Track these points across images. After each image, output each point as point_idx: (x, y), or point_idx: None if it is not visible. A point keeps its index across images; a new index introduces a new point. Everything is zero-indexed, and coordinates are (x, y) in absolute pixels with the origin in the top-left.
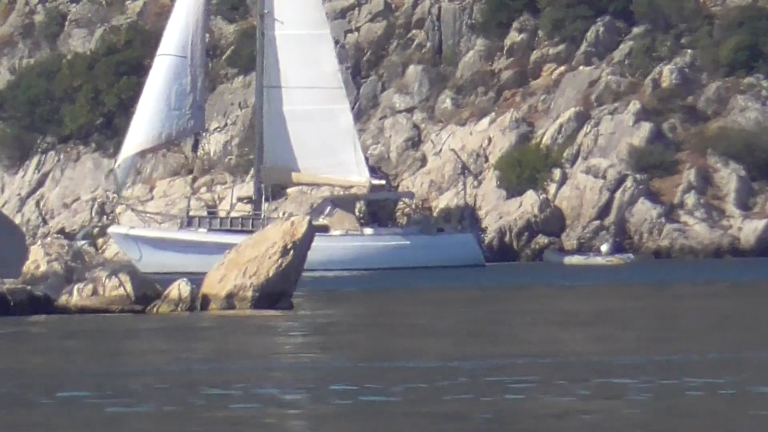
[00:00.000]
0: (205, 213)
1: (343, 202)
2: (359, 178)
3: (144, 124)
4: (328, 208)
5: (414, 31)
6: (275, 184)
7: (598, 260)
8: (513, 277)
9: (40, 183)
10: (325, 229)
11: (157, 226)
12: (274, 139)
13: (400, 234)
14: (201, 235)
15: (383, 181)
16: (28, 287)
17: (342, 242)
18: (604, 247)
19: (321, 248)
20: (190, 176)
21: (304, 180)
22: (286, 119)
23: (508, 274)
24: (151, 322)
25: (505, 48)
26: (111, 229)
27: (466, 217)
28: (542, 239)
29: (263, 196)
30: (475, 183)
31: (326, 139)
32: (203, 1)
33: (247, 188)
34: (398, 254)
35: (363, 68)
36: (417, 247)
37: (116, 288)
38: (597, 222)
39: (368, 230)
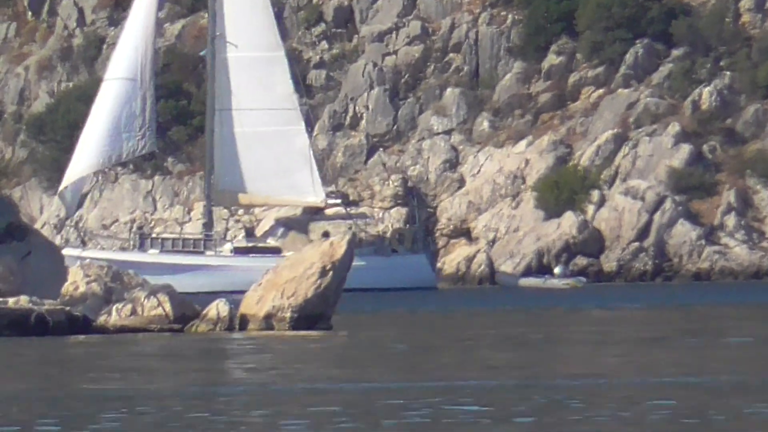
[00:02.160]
0: (157, 235)
1: (296, 223)
2: (315, 198)
3: (92, 147)
4: (281, 230)
5: (451, 55)
6: (228, 206)
7: (554, 282)
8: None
9: (79, 205)
10: (277, 250)
11: (116, 247)
12: (226, 161)
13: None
14: (152, 256)
15: (338, 200)
16: (67, 308)
17: None
18: (557, 270)
19: None
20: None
21: (256, 202)
22: (238, 142)
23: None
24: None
25: (543, 71)
26: (65, 251)
27: (419, 238)
28: (581, 260)
29: (212, 219)
30: (513, 204)
31: (281, 160)
32: (152, 24)
33: (285, 210)
34: (353, 276)
35: (401, 90)
36: (371, 268)
37: (155, 308)
38: (636, 244)
39: None
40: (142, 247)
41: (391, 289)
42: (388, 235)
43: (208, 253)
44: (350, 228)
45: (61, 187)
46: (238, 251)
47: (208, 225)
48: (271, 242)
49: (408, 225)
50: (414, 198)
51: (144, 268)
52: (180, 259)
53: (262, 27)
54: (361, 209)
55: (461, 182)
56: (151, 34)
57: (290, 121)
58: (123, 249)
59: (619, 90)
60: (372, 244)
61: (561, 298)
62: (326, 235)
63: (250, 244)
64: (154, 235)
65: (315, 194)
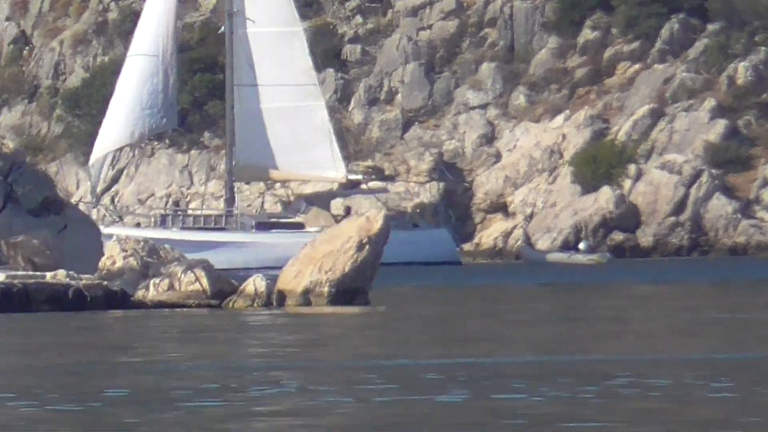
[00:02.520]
0: (179, 211)
1: (318, 199)
2: (336, 173)
3: (116, 124)
4: (304, 205)
5: (486, 30)
6: (248, 181)
7: (579, 258)
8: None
9: (115, 179)
10: (300, 226)
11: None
12: (246, 137)
13: None
14: (173, 233)
15: (360, 176)
16: (104, 283)
17: None
18: (581, 245)
19: (297, 245)
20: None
21: (278, 177)
22: (257, 117)
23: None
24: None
25: (578, 46)
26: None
27: (441, 212)
28: (618, 235)
29: (234, 194)
30: (550, 179)
31: (301, 135)
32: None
33: (321, 183)
34: None
35: (436, 65)
36: (392, 242)
37: (192, 283)
38: (672, 218)
39: None
40: (163, 224)
41: (412, 263)
42: (409, 209)
43: (229, 228)
44: (384, 202)
45: (89, 165)
46: (259, 227)
47: (230, 201)
48: (296, 218)
49: (443, 200)
50: (444, 171)
51: (166, 244)
52: (202, 236)
53: (279, 2)
54: (396, 184)
55: (497, 157)
56: (172, 10)
57: (309, 96)
58: (145, 226)
59: (655, 65)
60: (393, 218)
61: (591, 273)
62: (348, 210)
63: (273, 220)
64: (174, 212)
65: (335, 169)
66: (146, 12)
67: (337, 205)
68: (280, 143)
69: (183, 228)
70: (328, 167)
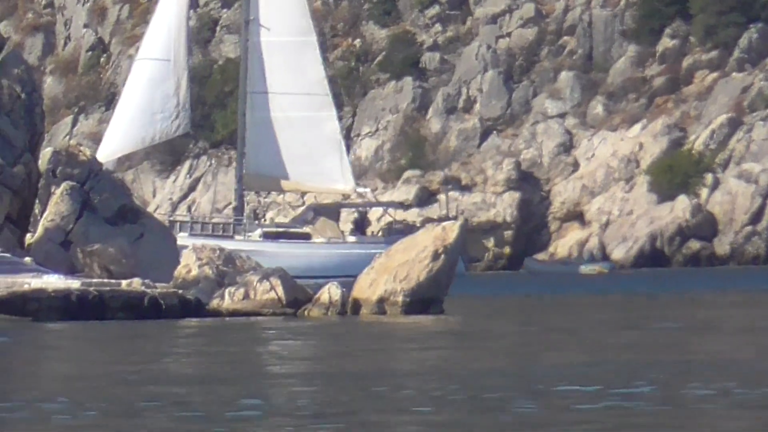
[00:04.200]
0: (187, 218)
1: (326, 210)
2: (344, 186)
3: (125, 129)
4: (311, 216)
5: (565, 38)
6: (258, 191)
7: (581, 268)
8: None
9: (192, 188)
10: (307, 236)
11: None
12: (257, 145)
13: (383, 242)
14: (180, 239)
15: (368, 189)
16: (180, 291)
17: (324, 249)
18: (586, 257)
19: (303, 255)
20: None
21: (288, 187)
22: (269, 126)
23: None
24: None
25: (657, 54)
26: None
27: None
28: (694, 244)
29: (243, 203)
30: (627, 188)
31: (311, 146)
32: (186, 2)
33: (398, 194)
34: None
35: (515, 74)
36: None
37: (267, 292)
38: (750, 227)
39: (351, 238)
40: (171, 230)
41: None
42: (417, 223)
43: (237, 237)
44: (462, 213)
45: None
46: (267, 236)
47: (239, 209)
48: (304, 228)
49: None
50: (447, 185)
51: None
52: (209, 243)
53: (294, 11)
54: (473, 194)
55: (575, 166)
56: (184, 13)
57: (321, 106)
58: None
59: (734, 74)
60: (401, 232)
61: (594, 283)
62: (357, 224)
63: (280, 230)
64: (183, 219)
65: (344, 182)
66: (157, 15)
67: (346, 217)
68: (290, 153)
69: (191, 235)
70: (336, 179)
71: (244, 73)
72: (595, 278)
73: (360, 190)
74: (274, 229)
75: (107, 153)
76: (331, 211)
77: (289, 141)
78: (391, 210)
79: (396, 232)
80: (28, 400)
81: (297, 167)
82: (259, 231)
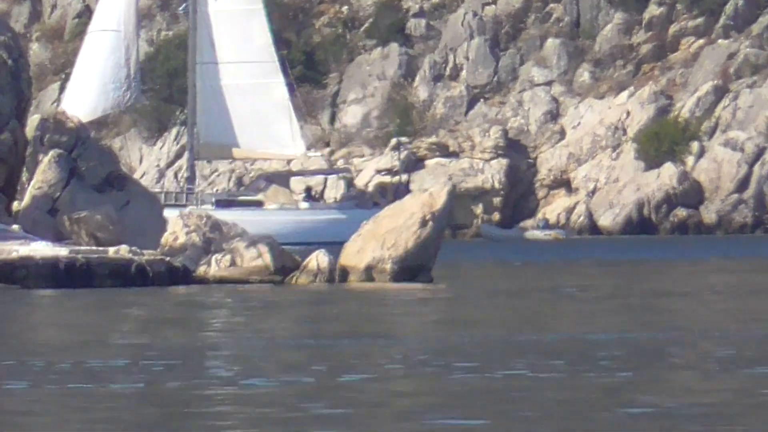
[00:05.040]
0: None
1: (278, 177)
2: (294, 151)
3: (79, 99)
4: (263, 183)
5: (552, 5)
6: (210, 160)
7: (537, 234)
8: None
9: (179, 154)
10: (259, 204)
11: None
12: (208, 115)
13: (336, 208)
14: None
15: (318, 154)
16: (167, 258)
17: (277, 216)
18: (539, 222)
19: (256, 222)
20: (328, 149)
21: (240, 155)
22: (219, 95)
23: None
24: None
25: (644, 21)
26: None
27: (401, 191)
28: (681, 212)
29: (195, 172)
30: (613, 156)
31: (261, 113)
32: None
33: (385, 161)
34: (334, 228)
35: (501, 41)
36: (353, 221)
37: (255, 259)
38: (735, 195)
39: (303, 204)
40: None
41: None
42: (371, 188)
43: (189, 206)
44: (449, 179)
45: None
46: (219, 204)
47: (191, 179)
48: (256, 196)
49: (506, 177)
50: (398, 149)
51: None
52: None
53: None
54: (461, 160)
55: (562, 134)
56: None
57: (269, 73)
58: None
59: (720, 41)
60: (354, 197)
61: (569, 248)
62: (308, 189)
63: (232, 198)
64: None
65: (295, 147)
66: None
67: (296, 184)
68: (241, 121)
69: None
70: (287, 144)
71: (193, 44)
72: (554, 244)
73: (311, 154)
74: (226, 198)
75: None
76: (282, 179)
77: (239, 109)
78: (344, 175)
79: (349, 197)
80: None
81: (247, 135)
82: (211, 199)
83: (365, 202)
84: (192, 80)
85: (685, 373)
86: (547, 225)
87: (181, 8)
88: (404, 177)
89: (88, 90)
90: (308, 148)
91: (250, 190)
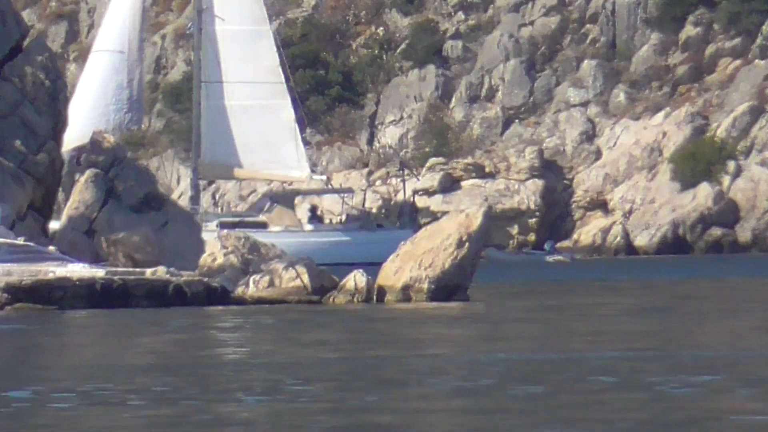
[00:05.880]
0: None
1: (282, 197)
2: (300, 173)
3: (81, 120)
4: (268, 204)
5: (588, 26)
6: (214, 179)
7: (545, 258)
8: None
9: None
10: (263, 225)
11: None
12: (213, 134)
13: (340, 230)
14: None
15: (323, 177)
16: (205, 279)
17: (281, 238)
18: (546, 246)
19: None
20: (366, 169)
21: (243, 176)
22: (224, 115)
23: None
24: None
25: (680, 42)
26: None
27: (405, 213)
28: (716, 231)
29: (199, 192)
30: (649, 176)
31: (266, 134)
32: None
33: (422, 181)
34: (338, 250)
35: (537, 62)
36: (357, 243)
37: (293, 279)
38: None
39: (308, 226)
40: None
41: (377, 264)
42: (375, 210)
43: None
44: (485, 200)
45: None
46: (223, 226)
47: (195, 198)
48: (260, 217)
49: (542, 198)
50: (402, 169)
51: None
52: None
53: (248, 0)
54: (496, 181)
55: (598, 154)
56: (139, 6)
57: (275, 94)
58: None
59: (756, 61)
60: (358, 219)
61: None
62: (313, 209)
63: (237, 219)
64: None
65: (300, 169)
66: (112, 8)
67: (301, 204)
68: (246, 141)
69: None
70: (292, 166)
71: (197, 63)
72: (563, 266)
73: (316, 177)
74: (230, 219)
75: (68, 143)
76: (287, 199)
77: (245, 129)
78: (346, 196)
79: (353, 219)
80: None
81: (252, 155)
82: (215, 221)
83: (369, 224)
84: (196, 99)
85: None
86: (554, 249)
87: (188, 28)
88: (409, 198)
89: (88, 111)
90: (312, 171)
91: (254, 210)
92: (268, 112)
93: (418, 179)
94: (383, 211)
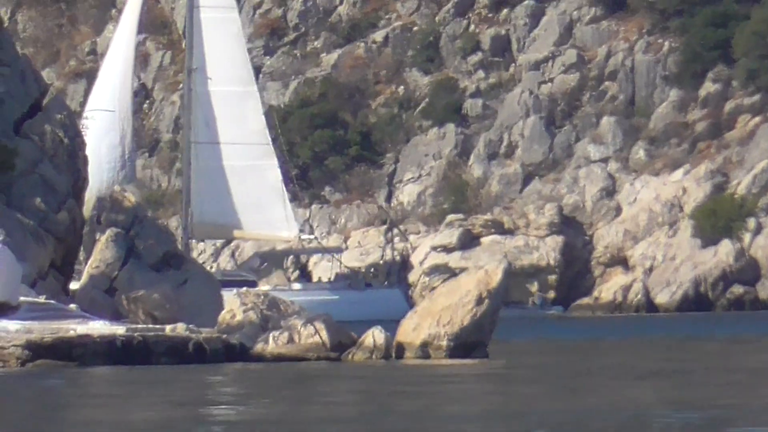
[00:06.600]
0: None
1: (271, 257)
2: (288, 233)
3: None
4: (258, 262)
5: (607, 83)
6: (204, 239)
7: (538, 312)
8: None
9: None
10: (253, 283)
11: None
12: (202, 194)
13: (328, 289)
14: None
15: (312, 236)
16: (224, 336)
17: None
18: (537, 300)
19: None
20: (384, 226)
21: (234, 236)
22: (212, 175)
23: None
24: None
25: (699, 99)
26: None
27: (393, 272)
28: (738, 288)
29: (189, 251)
30: (670, 233)
31: (254, 194)
32: (131, 54)
33: (440, 237)
34: (326, 309)
35: (556, 119)
36: (345, 302)
37: (312, 336)
38: None
39: (296, 285)
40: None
41: (366, 322)
42: (363, 269)
43: None
44: (505, 256)
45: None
46: None
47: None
48: (248, 275)
49: (562, 255)
50: (391, 230)
51: None
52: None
53: (236, 61)
54: (516, 238)
55: (618, 210)
56: (130, 67)
57: (262, 155)
58: None
59: None
60: (346, 278)
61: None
62: (303, 269)
63: (227, 278)
64: None
65: (288, 229)
66: (104, 70)
67: (290, 264)
68: (235, 202)
69: None
70: (281, 227)
71: (187, 123)
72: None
73: (304, 237)
74: (220, 277)
75: None
76: (276, 258)
77: (233, 190)
78: (336, 255)
79: (341, 278)
80: None
81: (241, 216)
82: None
83: (358, 283)
84: (186, 159)
85: None
86: (544, 303)
87: (180, 88)
88: (397, 258)
89: None
90: (301, 231)
91: (244, 269)
92: (256, 173)
93: (407, 239)
94: (371, 270)
